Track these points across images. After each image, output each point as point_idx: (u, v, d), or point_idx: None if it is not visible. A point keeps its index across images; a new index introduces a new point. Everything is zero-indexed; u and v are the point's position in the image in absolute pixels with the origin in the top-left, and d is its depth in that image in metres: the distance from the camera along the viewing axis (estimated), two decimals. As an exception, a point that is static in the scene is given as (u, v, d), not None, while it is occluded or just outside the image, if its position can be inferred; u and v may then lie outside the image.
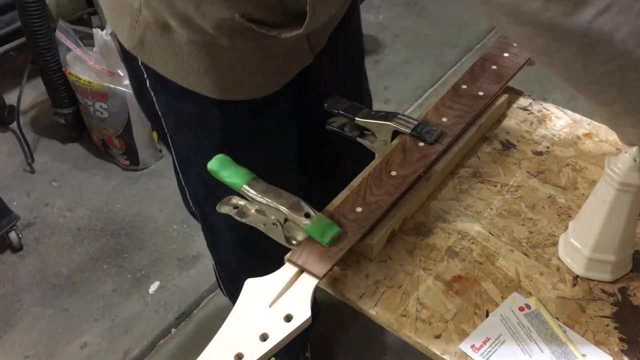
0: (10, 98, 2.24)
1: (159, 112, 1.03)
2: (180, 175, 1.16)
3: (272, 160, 1.10)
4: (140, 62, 0.95)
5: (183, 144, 1.07)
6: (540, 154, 0.93)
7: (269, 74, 0.96)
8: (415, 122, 0.88)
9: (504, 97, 0.98)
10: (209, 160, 1.03)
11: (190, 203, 1.20)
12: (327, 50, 1.03)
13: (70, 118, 2.13)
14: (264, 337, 0.66)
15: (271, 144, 1.09)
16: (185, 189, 1.18)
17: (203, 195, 1.14)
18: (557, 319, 0.73)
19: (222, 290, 1.46)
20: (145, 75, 0.97)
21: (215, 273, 1.41)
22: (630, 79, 0.62)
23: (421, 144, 0.87)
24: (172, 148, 1.10)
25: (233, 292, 1.38)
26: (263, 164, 1.08)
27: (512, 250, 0.81)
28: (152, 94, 1.00)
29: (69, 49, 1.97)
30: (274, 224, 0.78)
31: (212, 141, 1.02)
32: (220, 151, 1.01)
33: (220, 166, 0.79)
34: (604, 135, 0.96)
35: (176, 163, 1.13)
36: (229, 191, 1.03)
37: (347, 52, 1.17)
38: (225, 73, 0.92)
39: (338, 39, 1.07)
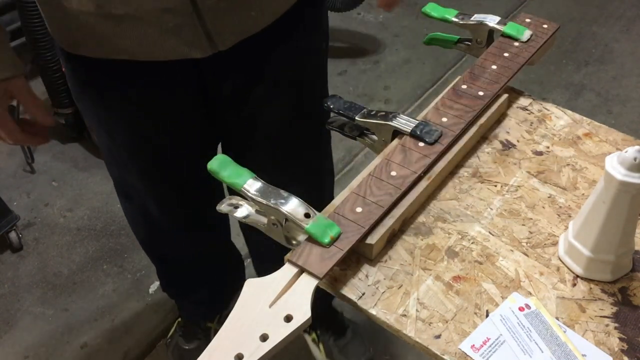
0: (10, 98, 2.24)
1: None
2: None
3: (139, 133, 1.09)
4: None
5: None
6: (540, 154, 0.93)
7: (125, 38, 0.92)
8: (415, 122, 0.88)
9: (504, 97, 0.98)
10: (79, 104, 1.09)
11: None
12: (236, 57, 0.99)
13: (70, 118, 2.13)
14: (264, 338, 0.66)
15: (139, 115, 1.05)
16: None
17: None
18: (557, 319, 0.73)
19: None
20: None
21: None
22: None
23: (421, 144, 0.87)
24: None
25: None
26: (129, 133, 1.09)
27: (512, 250, 0.81)
28: None
29: (69, 49, 1.96)
30: (274, 224, 0.78)
31: (72, 89, 1.06)
32: (79, 103, 1.07)
33: (220, 166, 0.79)
34: (604, 135, 0.96)
35: None
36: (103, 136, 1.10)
37: (274, 80, 1.07)
38: (73, 29, 0.92)
39: (260, 54, 1.02)
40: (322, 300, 1.54)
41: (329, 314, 1.64)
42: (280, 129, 1.13)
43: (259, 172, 0.79)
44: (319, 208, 0.79)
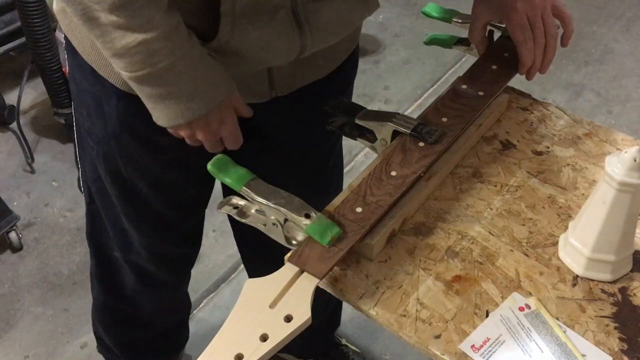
0: (10, 98, 2.24)
1: (69, 73, 1.01)
2: (77, 149, 1.11)
3: (163, 182, 1.03)
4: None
5: (80, 118, 1.03)
6: (540, 154, 0.93)
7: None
8: (415, 122, 0.88)
9: (504, 97, 0.98)
10: (101, 146, 0.98)
11: (81, 181, 1.15)
12: (289, 104, 0.96)
13: (70, 118, 2.12)
14: (264, 338, 0.66)
15: (168, 163, 1.00)
16: (79, 165, 1.14)
17: (92, 179, 1.10)
18: (557, 319, 0.73)
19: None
20: (64, 35, 0.94)
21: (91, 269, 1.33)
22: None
23: (421, 144, 0.86)
24: (73, 116, 1.06)
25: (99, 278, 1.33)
26: (152, 182, 1.02)
27: (512, 250, 0.81)
28: (65, 53, 0.98)
29: (69, 49, 1.96)
30: (274, 224, 0.78)
31: (103, 128, 0.97)
32: (109, 142, 0.97)
33: (219, 166, 0.79)
34: (604, 135, 0.96)
35: (75, 135, 1.09)
36: (115, 183, 1.00)
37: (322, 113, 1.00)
38: None
39: (315, 93, 0.98)
40: (323, 331, 1.52)
41: (331, 344, 1.59)
42: (305, 150, 1.10)
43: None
44: (323, 207, 0.78)
